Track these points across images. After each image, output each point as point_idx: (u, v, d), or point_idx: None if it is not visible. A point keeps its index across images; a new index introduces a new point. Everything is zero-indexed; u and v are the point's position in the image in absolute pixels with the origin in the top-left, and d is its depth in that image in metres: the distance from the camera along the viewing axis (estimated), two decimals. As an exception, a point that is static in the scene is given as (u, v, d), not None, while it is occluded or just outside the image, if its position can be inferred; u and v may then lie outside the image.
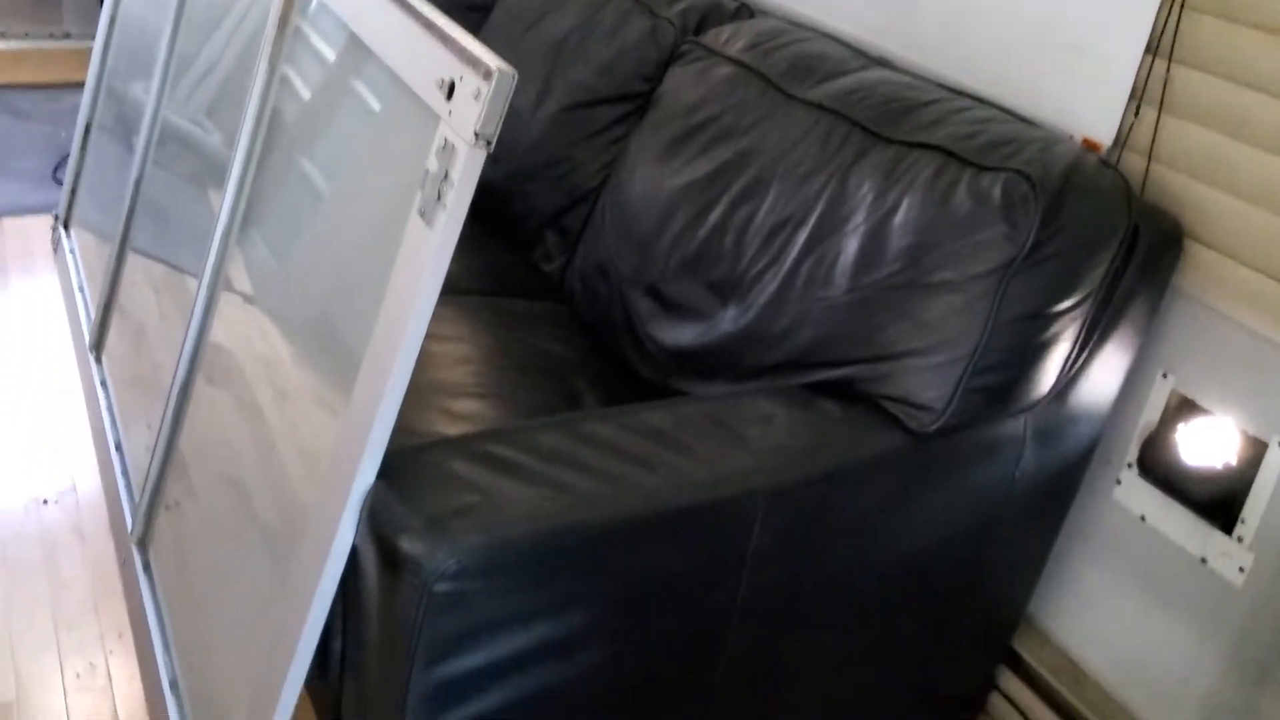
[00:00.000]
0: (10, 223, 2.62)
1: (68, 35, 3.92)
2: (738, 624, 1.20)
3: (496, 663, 1.04)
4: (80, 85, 3.51)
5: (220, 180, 1.57)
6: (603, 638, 1.10)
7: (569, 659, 1.09)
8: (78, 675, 1.48)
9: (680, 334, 1.48)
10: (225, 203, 1.46)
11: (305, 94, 1.40)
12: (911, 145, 1.32)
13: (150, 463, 1.57)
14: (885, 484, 1.23)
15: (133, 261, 1.96)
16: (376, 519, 1.00)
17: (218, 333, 1.46)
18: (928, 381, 1.22)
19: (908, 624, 1.41)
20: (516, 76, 0.91)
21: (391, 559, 0.97)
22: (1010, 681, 1.61)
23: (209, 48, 1.81)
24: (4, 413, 1.96)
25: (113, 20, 2.37)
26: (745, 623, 1.20)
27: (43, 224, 2.63)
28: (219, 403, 1.43)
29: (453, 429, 1.39)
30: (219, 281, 1.47)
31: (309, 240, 1.33)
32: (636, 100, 1.79)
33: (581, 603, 1.06)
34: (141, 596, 1.52)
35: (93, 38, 3.96)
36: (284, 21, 1.41)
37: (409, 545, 0.96)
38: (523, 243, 1.92)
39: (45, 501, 1.77)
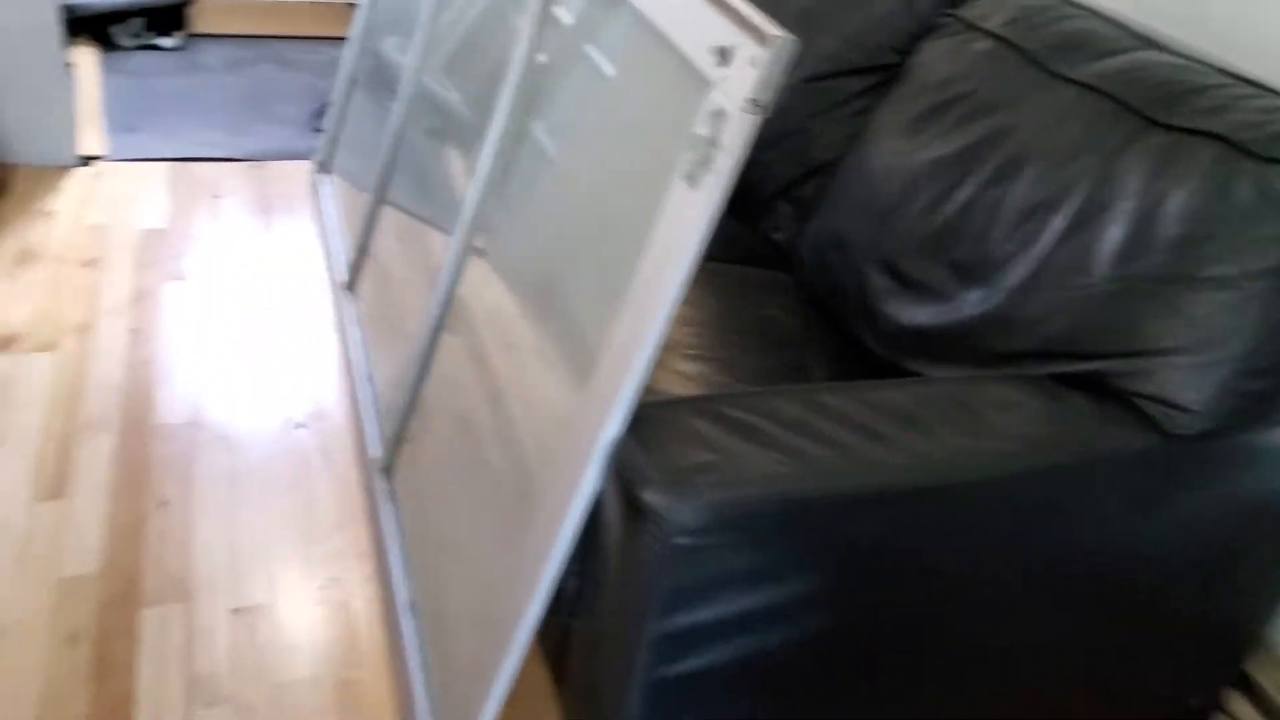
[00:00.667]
0: (274, 165, 2.83)
1: (327, -8, 4.19)
2: (956, 604, 1.18)
3: (724, 619, 1.07)
4: (339, 39, 3.75)
5: (474, 139, 1.65)
6: (824, 603, 1.11)
7: (791, 621, 1.11)
8: (322, 588, 1.61)
9: (917, 313, 1.46)
10: (482, 162, 1.53)
11: (561, 55, 1.45)
12: (1188, 132, 1.25)
13: (397, 398, 1.69)
14: (1132, 485, 1.18)
15: (386, 211, 2.09)
16: (621, 470, 1.04)
17: (466, 285, 1.55)
18: (1189, 381, 1.16)
19: (1132, 629, 1.35)
20: (797, 45, 0.92)
21: (634, 509, 1.01)
22: (1240, 705, 1.52)
23: (468, 8, 1.90)
24: (265, 340, 2.13)
25: (378, -20, 2.51)
26: (964, 603, 1.19)
27: (303, 168, 2.84)
28: (460, 349, 1.51)
29: (679, 388, 1.42)
30: (471, 237, 1.55)
31: (558, 198, 1.39)
32: (884, 73, 1.76)
33: (808, 568, 1.08)
34: (382, 520, 1.64)
35: (350, -5, 4.23)
36: (551, -16, 1.46)
37: (652, 497, 1.00)
38: (754, 212, 1.93)
39: (299, 425, 1.92)
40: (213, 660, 1.47)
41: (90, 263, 2.29)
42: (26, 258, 2.27)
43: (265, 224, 2.55)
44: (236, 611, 1.55)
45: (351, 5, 4.09)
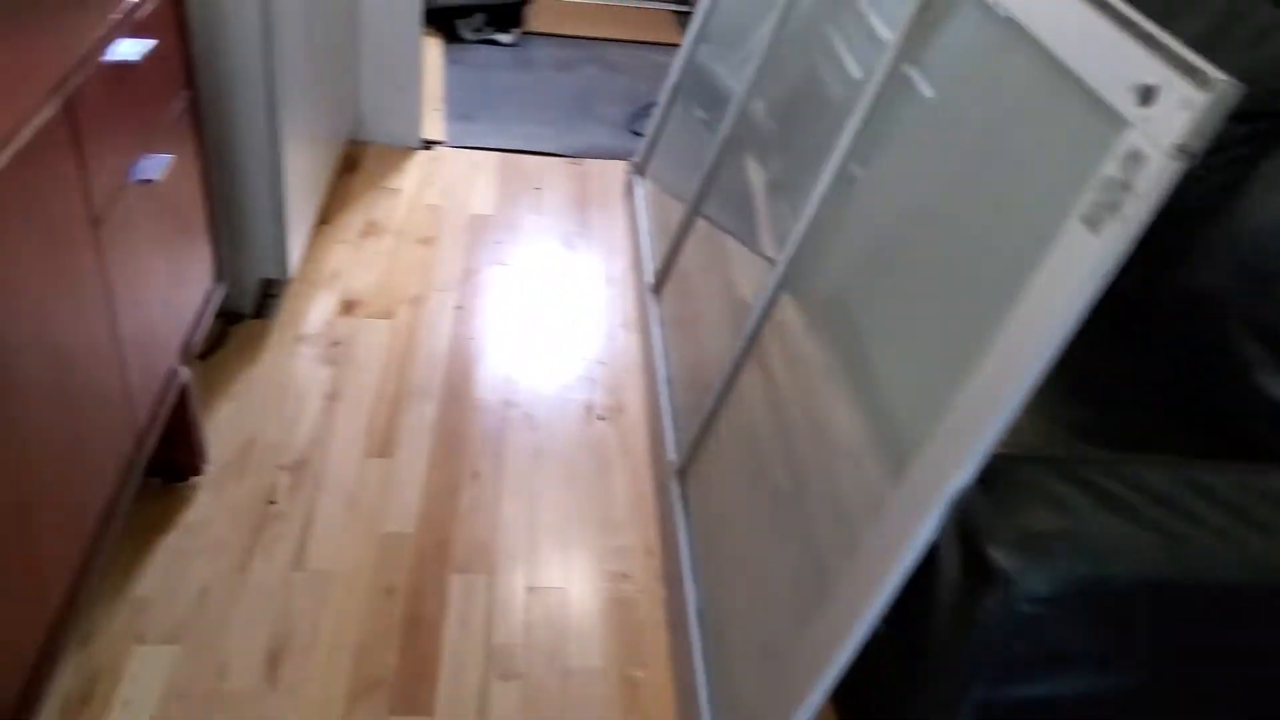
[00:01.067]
0: (593, 163, 2.94)
1: (652, -1, 4.31)
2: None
3: (1056, 699, 0.99)
4: (660, 45, 3.85)
5: (805, 168, 1.63)
6: (1170, 697, 1.01)
7: (1131, 713, 1.01)
8: (612, 580, 1.64)
9: (1299, 391, 1.30)
10: (814, 193, 1.51)
11: (928, 80, 1.41)
12: None
13: (695, 406, 1.70)
14: None
15: (699, 223, 2.11)
16: (966, 523, 0.98)
17: (779, 313, 1.53)
18: None
19: None
20: (1240, 91, 0.83)
21: (978, 567, 0.96)
22: None
23: (810, 40, 1.88)
24: (574, 329, 2.21)
25: (711, 7, 2.54)
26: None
27: (619, 168, 2.93)
28: (764, 374, 1.50)
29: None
30: (791, 267, 1.53)
31: (902, 230, 1.34)
32: (1272, 120, 1.59)
33: (1162, 657, 0.98)
34: (675, 523, 1.66)
35: (675, 2, 4.34)
36: (925, 6, 1.42)
37: (1002, 558, 0.94)
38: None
39: (600, 416, 1.98)
40: (509, 634, 1.53)
41: (426, 240, 2.46)
42: (372, 230, 2.47)
43: (581, 219, 2.65)
44: (533, 590, 1.61)
45: (676, 13, 4.19)
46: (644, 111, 3.28)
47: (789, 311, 1.51)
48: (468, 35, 3.67)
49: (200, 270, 1.65)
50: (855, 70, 1.60)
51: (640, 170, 2.76)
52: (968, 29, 1.35)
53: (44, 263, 1.09)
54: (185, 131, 1.54)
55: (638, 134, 3.15)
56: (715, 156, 2.09)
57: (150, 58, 1.37)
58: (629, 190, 2.79)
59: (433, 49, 3.55)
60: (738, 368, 1.61)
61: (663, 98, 2.69)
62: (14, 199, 1.01)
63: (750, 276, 1.73)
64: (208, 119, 1.83)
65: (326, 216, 2.49)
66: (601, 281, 2.40)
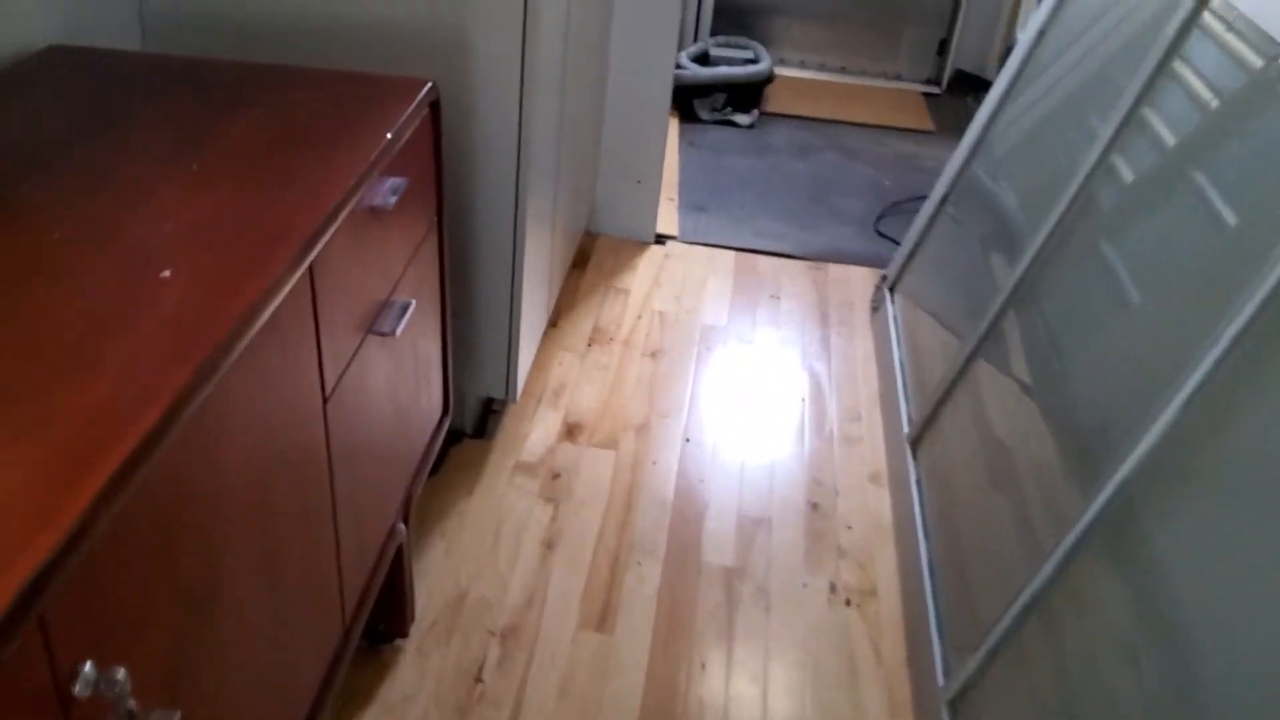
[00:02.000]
0: (835, 269, 2.69)
1: (899, 77, 4.04)
2: None
3: None
4: (905, 131, 3.58)
5: (1153, 333, 1.33)
6: None
7: None
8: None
9: None
10: (1182, 387, 1.21)
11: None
12: None
13: (976, 617, 1.41)
14: None
15: (980, 370, 1.83)
16: None
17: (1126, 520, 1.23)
18: None
19: None
20: None
21: None
22: None
23: (1154, 175, 1.57)
24: (816, 478, 1.96)
25: (996, 113, 2.26)
26: None
27: (864, 275, 2.67)
28: (1100, 588, 1.20)
29: None
30: (1150, 468, 1.23)
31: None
32: None
33: None
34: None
35: (922, 82, 4.05)
36: None
37: None
38: None
39: (848, 603, 1.72)
40: None
41: (654, 354, 2.27)
42: (599, 338, 2.30)
43: (822, 336, 2.41)
44: (766, 831, 1.36)
45: (926, 95, 3.90)
46: (891, 211, 3.01)
47: (1141, 519, 1.21)
48: (705, 115, 3.50)
49: (429, 408, 1.50)
50: (1242, 232, 1.29)
51: (893, 286, 2.49)
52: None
53: (271, 438, 0.93)
54: (427, 270, 1.39)
55: (883, 235, 2.89)
56: (1007, 296, 1.80)
57: (401, 198, 1.22)
58: (878, 308, 2.52)
59: (669, 130, 3.40)
60: (1054, 576, 1.31)
61: (926, 209, 2.42)
62: (250, 377, 0.85)
63: (1065, 459, 1.43)
64: (449, 246, 1.69)
65: (554, 318, 2.34)
66: (846, 418, 2.14)
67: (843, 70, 4.05)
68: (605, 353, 2.25)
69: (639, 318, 2.39)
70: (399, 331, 1.22)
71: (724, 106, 3.53)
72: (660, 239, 2.73)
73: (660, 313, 2.42)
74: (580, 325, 2.34)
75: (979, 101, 3.79)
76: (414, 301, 1.30)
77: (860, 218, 2.98)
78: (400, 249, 1.26)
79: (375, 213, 1.14)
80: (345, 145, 1.11)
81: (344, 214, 1.02)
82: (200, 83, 1.25)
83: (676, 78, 3.44)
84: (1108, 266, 1.54)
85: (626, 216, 2.70)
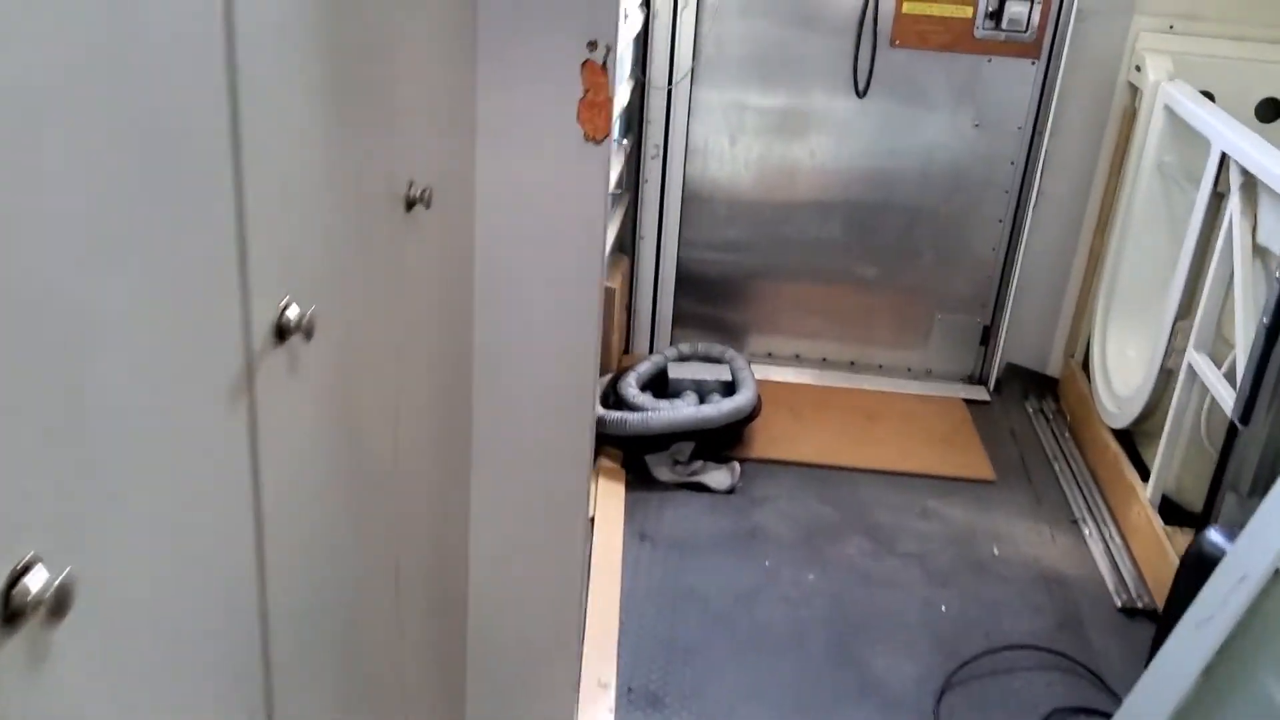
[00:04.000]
0: None
1: (929, 374, 2.98)
2: None
3: None
4: (952, 480, 2.38)
5: None
6: None
7: None
8: None
9: None
10: None
11: None
12: None
13: None
14: None
15: None
16: None
17: None
18: None
19: None
20: None
21: None
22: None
23: None
24: None
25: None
26: None
27: None
28: None
29: None
30: None
31: None
32: None
33: None
34: None
35: (961, 380, 2.95)
36: None
37: None
38: None
39: None
40: None
41: None
42: None
43: None
44: None
45: (972, 403, 2.81)
46: (958, 680, 1.87)
47: None
48: (665, 477, 2.41)
49: None
50: None
51: None
52: None
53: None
54: None
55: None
56: None
57: None
58: None
59: (608, 501, 2.30)
60: None
61: None
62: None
63: None
64: None
65: None
66: None
67: (852, 366, 3.00)
68: None
69: None
70: None
71: (691, 459, 2.44)
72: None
73: None
74: None
75: (1046, 413, 2.71)
76: None
77: (911, 697, 1.86)
78: None
79: None
80: None
81: None
82: None
83: (617, 425, 2.37)
84: None
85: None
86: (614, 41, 1.22)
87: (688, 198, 2.86)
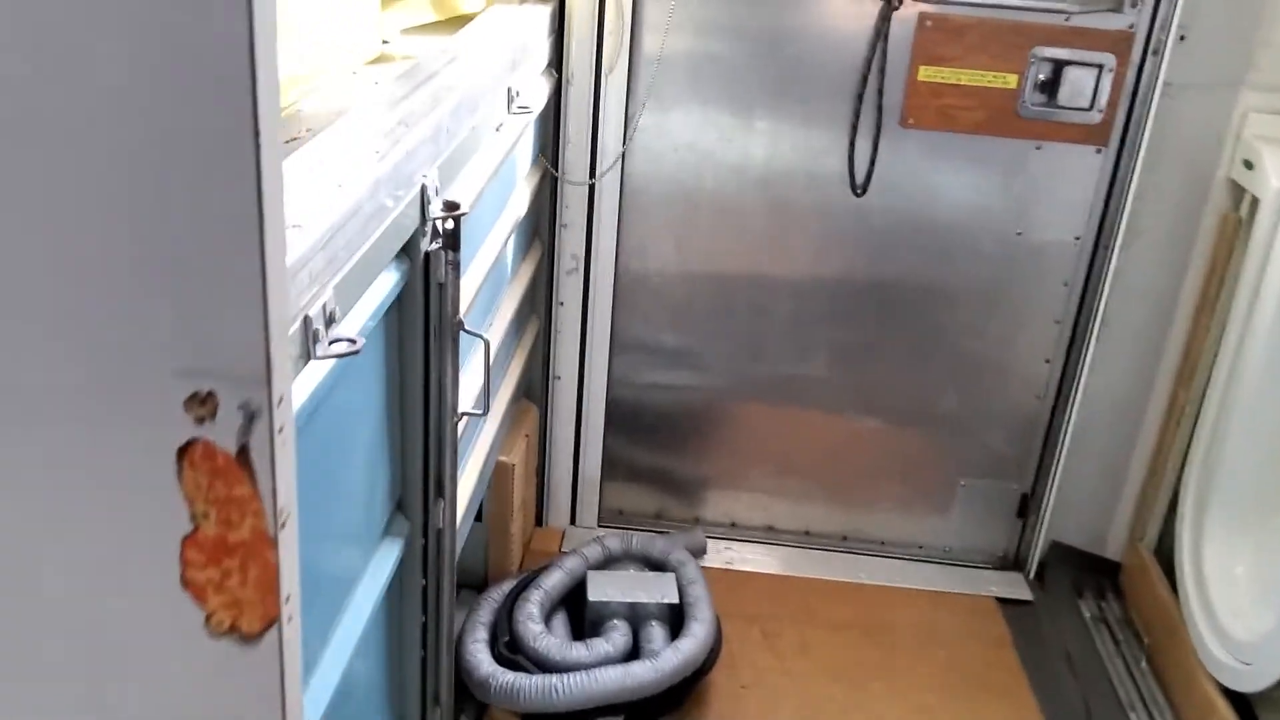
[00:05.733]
0: None
1: (948, 552, 2.23)
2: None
3: None
4: None
5: None
6: None
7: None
8: None
9: None
10: None
11: None
12: None
13: None
14: None
15: None
16: None
17: None
18: None
19: None
20: None
21: None
22: None
23: None
24: None
25: None
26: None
27: None
28: None
29: None
30: None
31: None
32: None
33: None
34: None
35: (993, 565, 2.16)
36: None
37: None
38: None
39: None
40: None
41: None
42: None
43: None
44: None
45: (1007, 603, 2.04)
46: None
47: None
48: (572, 779, 1.64)
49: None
50: None
51: None
52: None
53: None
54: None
55: None
56: None
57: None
58: None
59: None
60: None
61: None
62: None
63: None
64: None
65: None
66: None
67: (844, 543, 2.24)
68: None
69: None
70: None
71: (617, 740, 1.67)
72: None
73: None
74: None
75: (1109, 620, 1.87)
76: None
77: None
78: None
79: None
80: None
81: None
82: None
83: (505, 695, 1.60)
84: None
85: None
86: (266, 403, 0.44)
87: (619, 322, 2.09)
